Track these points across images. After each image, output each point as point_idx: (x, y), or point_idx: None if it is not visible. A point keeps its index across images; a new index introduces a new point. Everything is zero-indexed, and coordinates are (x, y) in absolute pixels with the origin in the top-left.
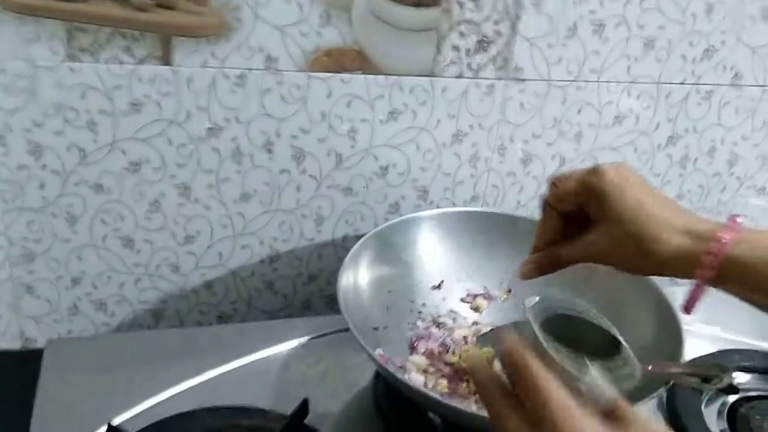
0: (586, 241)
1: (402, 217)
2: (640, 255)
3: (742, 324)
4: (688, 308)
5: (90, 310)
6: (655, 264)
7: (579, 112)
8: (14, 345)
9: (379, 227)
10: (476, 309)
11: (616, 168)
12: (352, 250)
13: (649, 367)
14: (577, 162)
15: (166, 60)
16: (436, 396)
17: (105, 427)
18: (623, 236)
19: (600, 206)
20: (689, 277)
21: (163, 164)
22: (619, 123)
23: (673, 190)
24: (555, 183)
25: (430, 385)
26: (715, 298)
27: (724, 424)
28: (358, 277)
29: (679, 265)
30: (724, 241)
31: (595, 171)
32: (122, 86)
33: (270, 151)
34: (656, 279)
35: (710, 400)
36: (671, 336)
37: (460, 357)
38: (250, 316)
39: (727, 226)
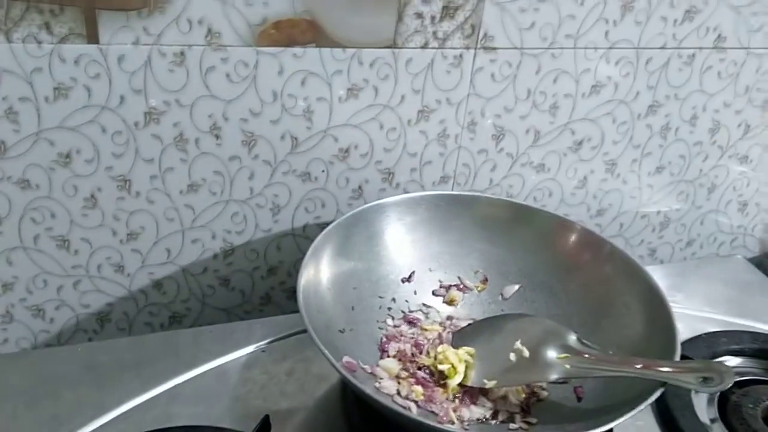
0: None
1: (366, 205)
2: None
3: (724, 301)
4: None
5: (26, 316)
6: None
7: (554, 81)
8: None
9: (341, 217)
10: (450, 302)
11: None
12: (312, 245)
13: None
14: (553, 136)
15: (91, 37)
16: (412, 415)
17: None
18: None
19: None
20: None
21: (97, 155)
22: (597, 92)
23: (654, 161)
24: None
25: (403, 393)
26: (696, 276)
27: (715, 413)
28: (320, 275)
29: None
30: None
31: None
32: (42, 69)
33: (217, 137)
34: (645, 268)
35: None
36: (663, 329)
37: (435, 359)
38: (205, 315)
39: None
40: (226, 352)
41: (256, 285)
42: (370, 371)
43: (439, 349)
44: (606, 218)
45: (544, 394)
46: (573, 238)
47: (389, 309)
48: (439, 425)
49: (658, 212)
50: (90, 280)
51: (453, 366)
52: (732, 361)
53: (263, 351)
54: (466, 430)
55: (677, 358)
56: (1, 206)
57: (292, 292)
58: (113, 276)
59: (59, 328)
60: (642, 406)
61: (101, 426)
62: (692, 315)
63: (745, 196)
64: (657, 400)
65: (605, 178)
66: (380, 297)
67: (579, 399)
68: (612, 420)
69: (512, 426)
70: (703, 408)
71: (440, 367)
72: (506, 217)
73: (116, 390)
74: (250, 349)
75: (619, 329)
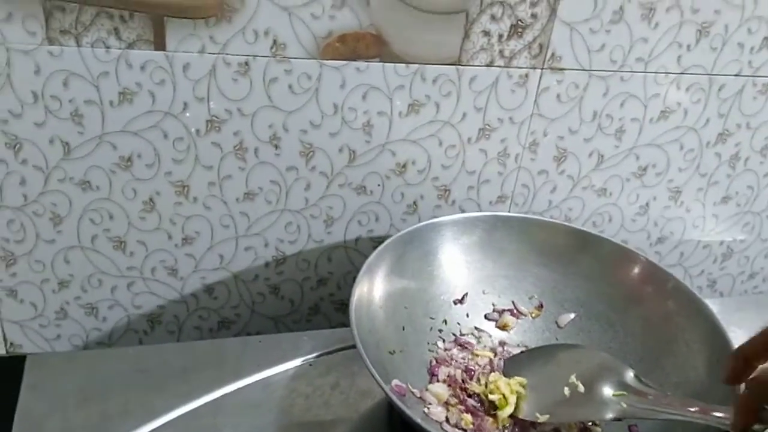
0: None
1: (422, 223)
2: None
3: None
4: None
5: (79, 314)
6: None
7: (622, 105)
8: None
9: (397, 234)
10: (503, 327)
11: None
12: (367, 262)
13: None
14: (617, 160)
15: (158, 44)
16: None
17: None
18: None
19: None
20: None
21: (158, 160)
22: (665, 118)
23: (720, 191)
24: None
25: (452, 421)
26: (756, 311)
27: None
28: (373, 292)
29: None
30: None
31: None
32: (109, 73)
33: (276, 147)
34: (710, 306)
35: None
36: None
37: (486, 387)
38: (253, 322)
39: None
40: (272, 364)
41: (306, 295)
42: (419, 395)
43: (491, 377)
44: (666, 246)
45: (598, 430)
46: (635, 269)
47: (440, 331)
48: None
49: (721, 243)
50: (143, 282)
51: (504, 396)
52: None
53: (310, 365)
54: None
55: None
56: (61, 206)
57: (341, 304)
58: (166, 279)
59: (111, 328)
60: None
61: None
62: None
63: None
64: None
65: (668, 205)
66: (431, 318)
67: None
68: None
69: None
70: None
71: (491, 397)
72: (565, 243)
73: (164, 395)
74: (297, 362)
75: (679, 368)
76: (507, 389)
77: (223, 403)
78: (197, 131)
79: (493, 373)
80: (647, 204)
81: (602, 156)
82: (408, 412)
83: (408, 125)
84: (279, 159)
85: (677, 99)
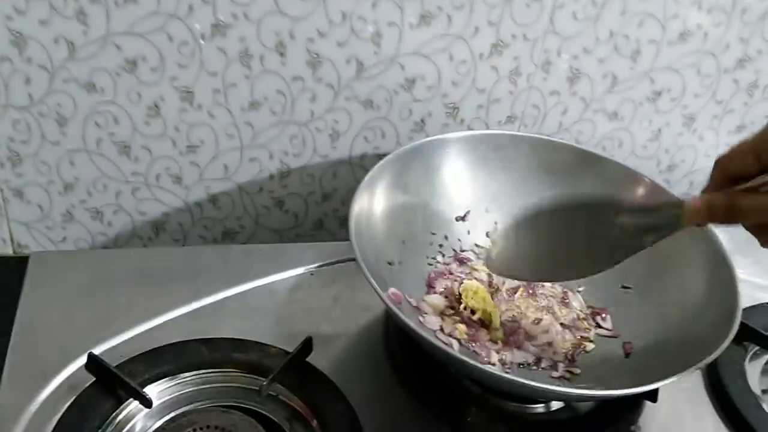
0: None
1: (427, 138)
2: None
3: None
4: None
5: (85, 218)
6: None
7: (639, 25)
8: (6, 250)
9: (401, 149)
10: None
11: None
12: (369, 174)
13: None
14: (631, 83)
15: None
16: (453, 352)
17: (85, 356)
18: None
19: None
20: None
21: (163, 64)
22: (683, 41)
23: (736, 120)
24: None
25: (447, 330)
26: None
27: None
28: (373, 205)
29: None
30: None
31: None
32: None
33: (282, 55)
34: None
35: (755, 356)
36: (725, 292)
37: (469, 299)
38: (257, 235)
39: None
40: (275, 272)
41: (310, 210)
42: (415, 305)
43: (469, 286)
44: (676, 174)
45: (591, 346)
46: (640, 190)
47: (440, 246)
48: (478, 365)
49: None
50: (148, 189)
51: (486, 311)
52: None
53: (312, 274)
54: (506, 372)
55: (737, 322)
56: (66, 107)
57: (345, 220)
58: (171, 186)
59: (116, 232)
60: (692, 370)
61: (151, 329)
62: (755, 282)
63: None
64: (708, 366)
65: (681, 132)
66: (432, 233)
67: (627, 355)
68: (658, 380)
69: (554, 374)
70: (755, 377)
71: (473, 317)
72: (572, 163)
73: (168, 296)
74: (300, 271)
75: (679, 287)
76: (481, 303)
77: (225, 306)
78: (202, 35)
79: (469, 282)
80: (659, 130)
81: (616, 78)
82: (403, 318)
83: (418, 38)
84: (285, 68)
85: (698, 21)
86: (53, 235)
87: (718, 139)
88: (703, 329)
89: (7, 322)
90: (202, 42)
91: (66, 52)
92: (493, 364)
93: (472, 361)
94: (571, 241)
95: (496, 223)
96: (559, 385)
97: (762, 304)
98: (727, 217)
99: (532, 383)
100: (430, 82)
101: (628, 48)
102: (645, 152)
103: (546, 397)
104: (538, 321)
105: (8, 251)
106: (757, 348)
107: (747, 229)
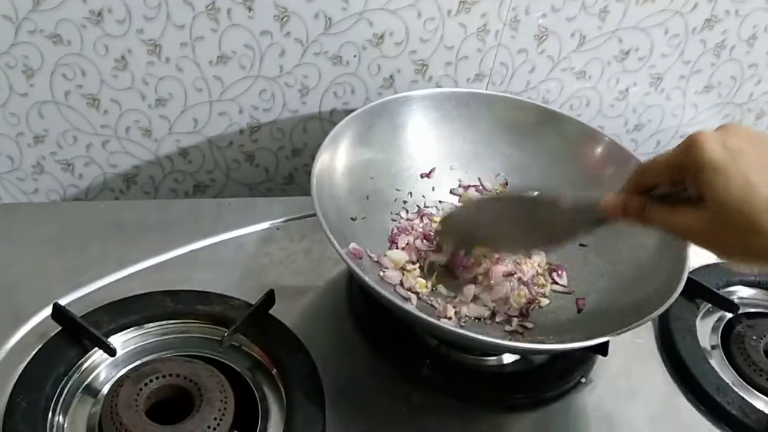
0: (682, 219)
1: (391, 96)
2: (748, 249)
3: None
4: None
5: (56, 170)
6: (762, 260)
7: None
8: None
9: (366, 106)
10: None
11: (722, 137)
12: (333, 130)
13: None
14: (599, 42)
15: None
16: (407, 306)
17: (50, 307)
18: (726, 226)
19: (699, 187)
20: None
21: (129, 16)
22: (651, 0)
23: (702, 80)
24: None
25: (406, 285)
26: None
27: (717, 340)
28: (336, 161)
29: None
30: None
31: (692, 144)
32: None
33: (250, 9)
34: None
35: (707, 314)
36: (675, 251)
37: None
38: (228, 188)
39: None
40: (245, 225)
41: (280, 164)
42: (376, 260)
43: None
44: (643, 134)
45: (545, 301)
46: (599, 149)
47: (404, 202)
48: (432, 320)
49: None
50: (118, 141)
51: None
52: (744, 291)
53: (278, 228)
54: (461, 326)
55: (684, 279)
56: (33, 59)
57: None
58: (141, 139)
59: (87, 184)
60: (637, 324)
61: (121, 279)
62: None
63: None
64: (660, 321)
65: (648, 92)
66: (397, 190)
67: (579, 311)
68: (606, 333)
69: (508, 328)
70: (706, 334)
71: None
72: (534, 122)
73: (138, 248)
74: (268, 225)
75: (633, 245)
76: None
77: (194, 258)
78: None
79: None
80: (627, 90)
81: (584, 37)
82: (358, 271)
83: None
84: (252, 22)
85: None
86: (25, 186)
87: (685, 99)
88: (653, 286)
89: None
90: None
91: (30, 3)
92: (449, 318)
93: (425, 317)
94: (522, 222)
95: (459, 180)
96: (509, 339)
97: (715, 263)
98: (638, 220)
99: (483, 337)
100: (399, 38)
101: (596, 7)
102: (612, 111)
103: (497, 350)
104: (498, 261)
105: None
106: (708, 306)
107: None
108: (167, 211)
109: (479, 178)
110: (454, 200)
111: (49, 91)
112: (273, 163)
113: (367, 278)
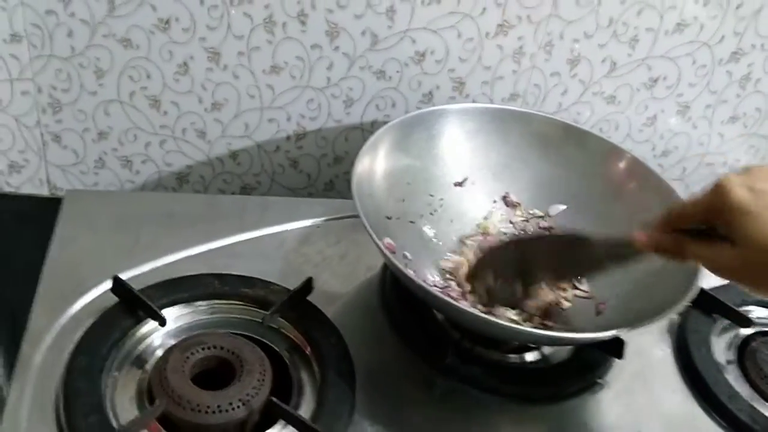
0: (720, 256)
1: (429, 108)
2: None
3: None
4: None
5: (116, 165)
6: None
7: (638, 14)
8: (42, 191)
9: (405, 116)
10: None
11: (748, 180)
12: (374, 135)
13: None
14: (629, 69)
15: None
16: (437, 291)
17: (108, 282)
18: (759, 265)
19: (730, 229)
20: None
21: (193, 25)
22: (680, 31)
23: (728, 110)
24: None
25: (431, 281)
26: None
27: (732, 356)
28: (375, 165)
29: None
30: None
31: (720, 189)
32: None
33: (303, 23)
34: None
35: (723, 330)
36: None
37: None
38: (272, 191)
39: None
40: (287, 221)
41: (322, 171)
42: (409, 257)
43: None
44: (670, 160)
45: (567, 304)
46: (621, 164)
47: (438, 208)
48: (451, 300)
49: (725, 162)
50: (174, 141)
51: None
52: (761, 311)
53: (318, 227)
54: (486, 314)
55: (696, 285)
56: (104, 60)
57: None
58: (195, 141)
59: (143, 181)
60: (651, 321)
61: (171, 263)
62: None
63: None
64: (677, 333)
65: (676, 119)
66: (431, 195)
67: (598, 313)
68: (618, 328)
69: (527, 325)
70: (721, 349)
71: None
72: (560, 136)
73: (187, 236)
74: (309, 222)
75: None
76: None
77: (238, 249)
78: (231, 0)
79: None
80: (655, 116)
81: (615, 63)
82: (392, 258)
83: (429, 14)
84: (305, 36)
85: (694, 13)
86: (86, 179)
87: (711, 128)
88: (667, 292)
89: (41, 252)
90: (231, 8)
91: (106, 8)
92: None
93: (445, 297)
94: (560, 260)
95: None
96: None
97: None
98: (673, 257)
99: (502, 322)
100: (439, 56)
101: (626, 35)
102: (640, 136)
103: (515, 337)
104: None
105: (45, 192)
106: (725, 323)
107: None
108: (216, 205)
109: (507, 192)
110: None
111: (115, 91)
112: (315, 170)
113: (399, 264)
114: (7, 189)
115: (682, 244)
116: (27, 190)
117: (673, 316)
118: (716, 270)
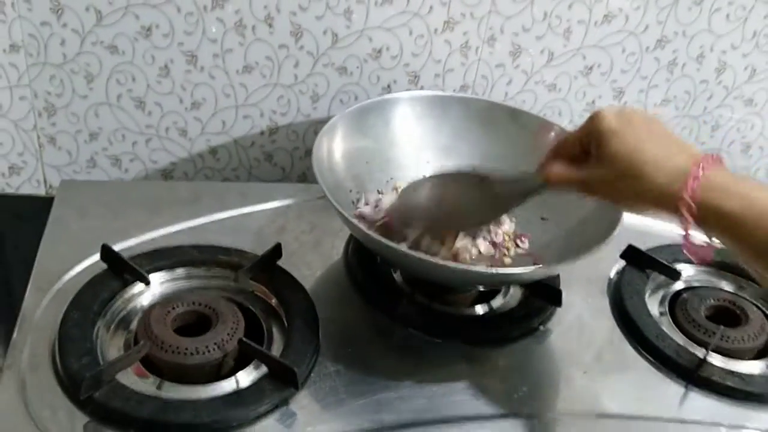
0: (587, 175)
1: (379, 97)
2: (631, 194)
3: None
4: (692, 253)
5: (106, 164)
6: (645, 203)
7: (569, 7)
8: (39, 191)
9: (358, 104)
10: None
11: (618, 112)
12: (330, 122)
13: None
14: (566, 58)
15: None
16: (401, 248)
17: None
18: (618, 175)
19: (598, 148)
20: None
21: (172, 31)
22: (608, 22)
23: (660, 94)
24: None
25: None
26: None
27: (665, 308)
28: (333, 145)
29: (666, 205)
30: (695, 179)
31: (595, 116)
32: None
33: (270, 26)
34: None
35: (657, 288)
36: (614, 214)
37: None
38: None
39: (705, 158)
40: (263, 202)
41: (295, 164)
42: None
43: None
44: None
45: (508, 260)
46: (551, 135)
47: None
48: (394, 246)
49: None
50: (159, 140)
51: None
52: (691, 270)
53: (289, 207)
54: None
55: (618, 228)
56: (93, 66)
57: None
58: (178, 138)
59: (131, 178)
60: (573, 260)
61: (155, 238)
62: (666, 226)
63: (748, 138)
64: (613, 286)
65: (612, 104)
66: (385, 172)
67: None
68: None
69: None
70: (655, 303)
71: None
72: (498, 116)
73: (172, 214)
74: (283, 203)
75: (582, 217)
76: None
77: (219, 225)
78: (204, 7)
79: None
80: (593, 102)
81: (552, 54)
82: (349, 217)
83: (383, 14)
84: (272, 37)
85: (619, 5)
86: (78, 178)
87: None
88: (594, 240)
89: (38, 238)
90: (204, 14)
91: (95, 18)
92: None
93: (388, 242)
94: (467, 199)
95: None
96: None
97: (669, 244)
98: (562, 185)
99: (437, 261)
100: (394, 52)
101: (560, 27)
102: (582, 121)
103: (463, 280)
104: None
105: (41, 192)
106: (660, 280)
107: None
108: (199, 190)
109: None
110: None
111: (104, 94)
112: (288, 163)
113: (354, 220)
114: (7, 190)
115: (566, 172)
116: (25, 190)
117: (593, 255)
118: (589, 189)
